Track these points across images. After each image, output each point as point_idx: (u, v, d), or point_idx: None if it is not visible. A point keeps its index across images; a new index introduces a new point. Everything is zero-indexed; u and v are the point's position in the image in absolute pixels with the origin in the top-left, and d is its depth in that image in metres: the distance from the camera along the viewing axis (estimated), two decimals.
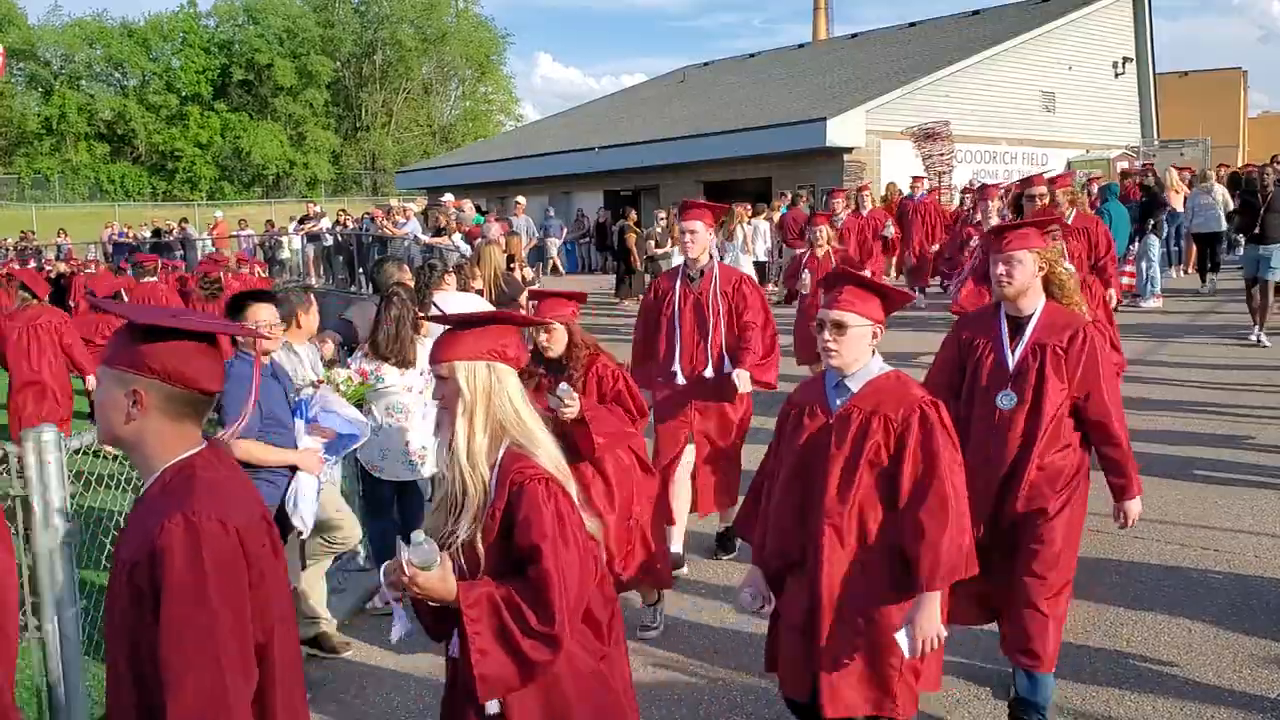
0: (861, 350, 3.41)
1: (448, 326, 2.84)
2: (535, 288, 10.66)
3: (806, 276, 9.70)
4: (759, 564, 3.64)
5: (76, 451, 4.15)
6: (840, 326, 3.38)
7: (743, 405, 6.23)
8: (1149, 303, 14.42)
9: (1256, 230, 11.96)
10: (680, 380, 6.15)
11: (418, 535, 2.67)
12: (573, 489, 2.75)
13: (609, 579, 3.01)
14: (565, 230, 27.60)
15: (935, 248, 15.92)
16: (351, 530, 5.66)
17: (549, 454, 2.74)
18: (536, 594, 2.53)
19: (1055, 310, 4.14)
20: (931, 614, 3.27)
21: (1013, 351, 4.13)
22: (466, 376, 2.72)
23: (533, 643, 2.52)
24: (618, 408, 4.92)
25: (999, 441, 4.11)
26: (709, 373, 6.10)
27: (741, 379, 5.97)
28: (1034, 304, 4.14)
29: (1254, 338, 11.77)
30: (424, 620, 2.82)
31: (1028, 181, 7.74)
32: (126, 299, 11.56)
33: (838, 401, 3.45)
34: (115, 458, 5.90)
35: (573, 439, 4.53)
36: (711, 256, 6.24)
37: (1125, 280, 12.84)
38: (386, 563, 2.64)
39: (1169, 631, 5.07)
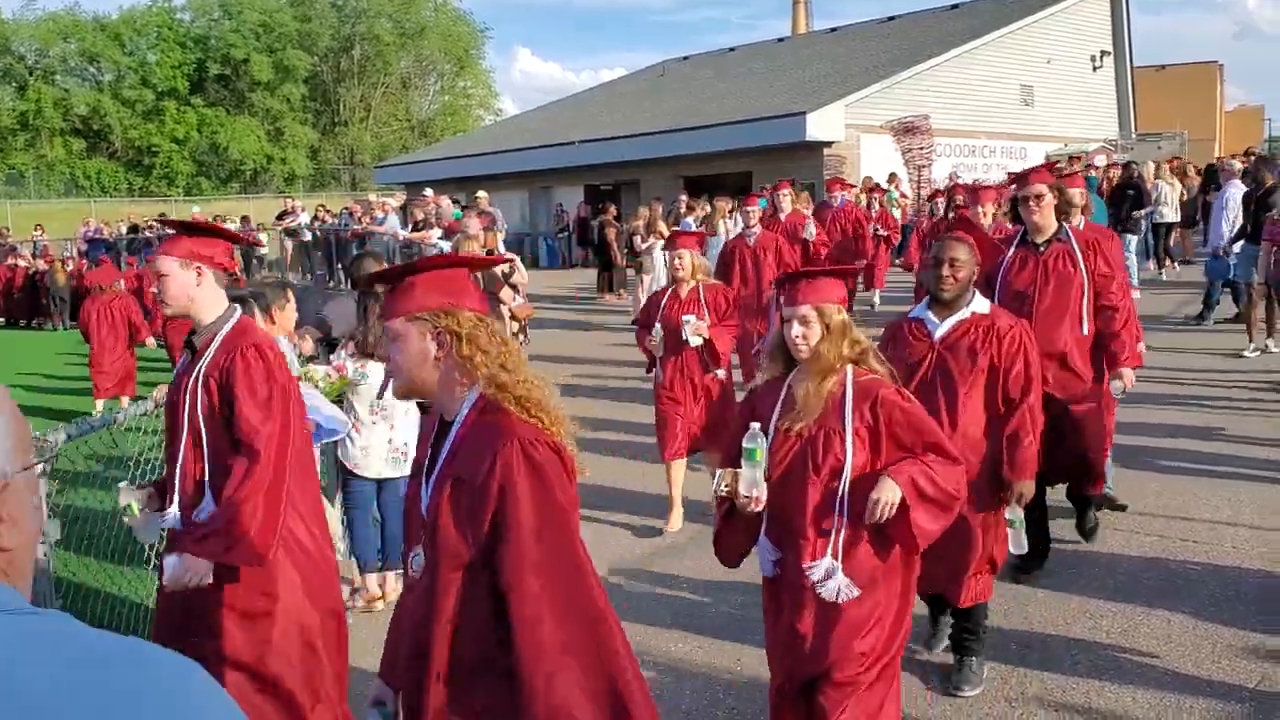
0: None
1: None
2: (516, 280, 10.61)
3: (658, 333, 6.88)
4: None
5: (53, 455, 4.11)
6: None
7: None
8: None
9: (1249, 229, 11.25)
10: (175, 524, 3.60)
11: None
12: None
13: None
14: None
15: (860, 264, 13.35)
16: (332, 525, 5.63)
17: None
18: None
19: (484, 415, 2.45)
20: None
21: (428, 485, 2.53)
22: None
23: None
24: None
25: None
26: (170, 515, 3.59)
27: (170, 571, 3.42)
28: (455, 403, 2.51)
29: (1251, 352, 10.88)
30: None
31: (1023, 178, 5.72)
32: None
33: None
34: (96, 457, 5.84)
35: None
36: (220, 320, 3.62)
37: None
38: None
39: (1149, 623, 5.09)
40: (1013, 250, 5.65)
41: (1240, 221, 12.05)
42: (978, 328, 4.35)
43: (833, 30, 39.30)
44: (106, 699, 1.07)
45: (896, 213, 22.13)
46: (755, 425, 3.36)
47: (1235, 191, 12.79)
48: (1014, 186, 5.88)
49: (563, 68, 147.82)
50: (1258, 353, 10.88)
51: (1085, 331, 5.52)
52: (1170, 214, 16.41)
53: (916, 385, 4.22)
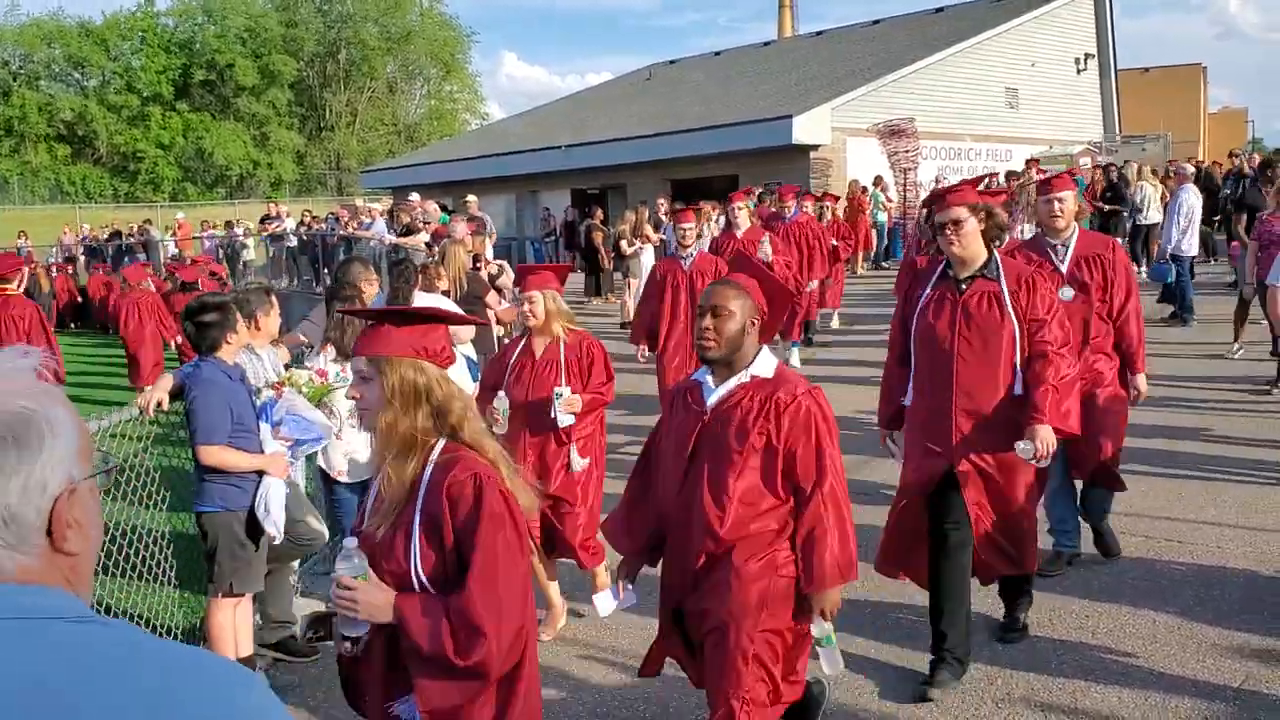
0: None
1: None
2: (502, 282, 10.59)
3: (503, 402, 5.31)
4: None
5: None
6: None
7: None
8: None
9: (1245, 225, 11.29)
10: None
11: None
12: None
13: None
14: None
15: (813, 284, 12.19)
16: (318, 532, 5.62)
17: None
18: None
19: None
20: None
21: None
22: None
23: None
24: None
25: None
26: None
27: None
28: None
29: (1235, 353, 10.85)
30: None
31: (938, 200, 4.67)
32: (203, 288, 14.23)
33: None
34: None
35: None
36: None
37: None
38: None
39: (1133, 623, 5.11)
40: (930, 286, 4.65)
41: (1195, 224, 12.63)
42: (753, 396, 3.49)
43: (819, 34, 39.36)
44: (166, 707, 1.09)
45: (883, 216, 22.23)
46: (349, 542, 2.59)
47: (1187, 196, 13.01)
48: (930, 209, 4.84)
49: (549, 72, 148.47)
50: (1242, 351, 10.93)
51: (1020, 390, 4.49)
52: (1154, 215, 16.60)
53: (687, 463, 3.56)
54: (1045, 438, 4.40)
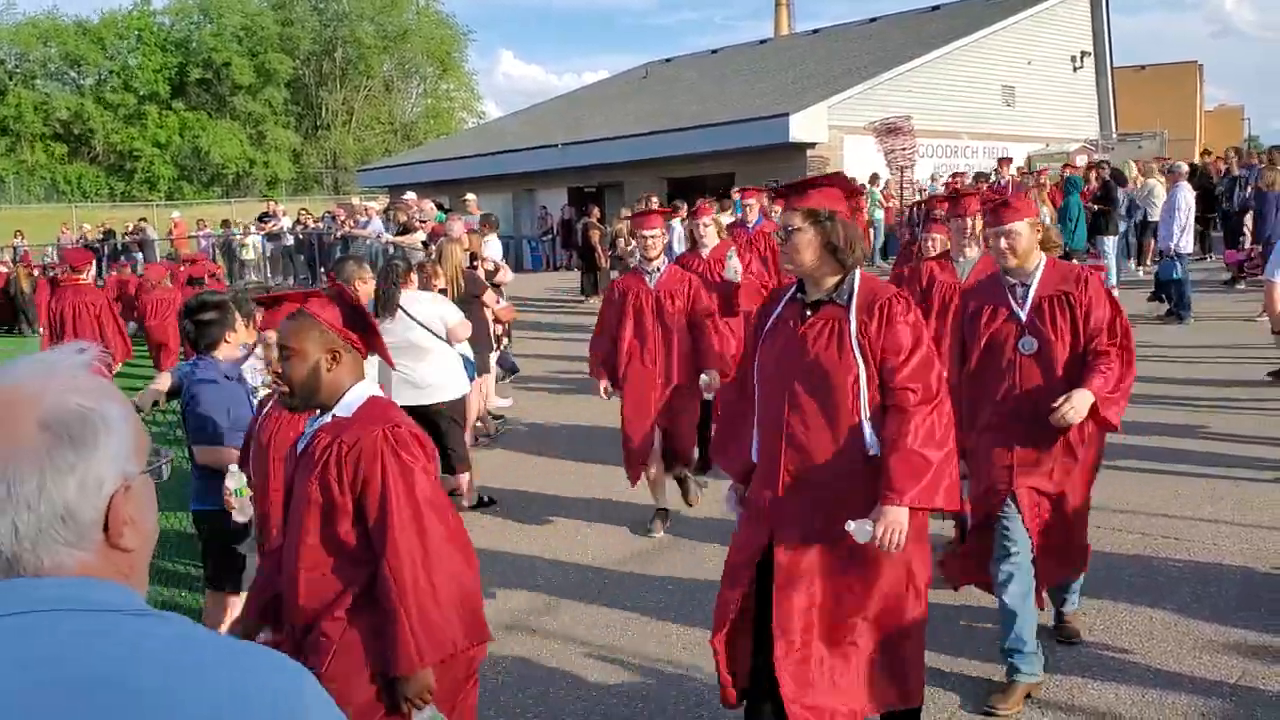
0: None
1: None
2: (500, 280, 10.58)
3: (237, 480, 4.33)
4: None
5: None
6: None
7: None
8: None
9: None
10: None
11: None
12: None
13: None
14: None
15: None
16: None
17: None
18: None
19: None
20: None
21: None
22: None
23: None
24: None
25: None
26: None
27: None
28: None
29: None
30: None
31: (784, 196, 3.91)
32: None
33: None
34: None
35: None
36: None
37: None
38: None
39: (1130, 620, 5.11)
40: (781, 307, 3.68)
41: (1190, 222, 12.83)
42: (320, 441, 2.96)
43: (815, 32, 39.41)
44: (218, 700, 1.10)
45: (880, 214, 22.24)
46: None
47: (1184, 194, 13.09)
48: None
49: (545, 70, 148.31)
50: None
51: (872, 448, 3.46)
52: (1157, 212, 16.67)
53: (284, 523, 3.16)
54: (894, 522, 3.34)
